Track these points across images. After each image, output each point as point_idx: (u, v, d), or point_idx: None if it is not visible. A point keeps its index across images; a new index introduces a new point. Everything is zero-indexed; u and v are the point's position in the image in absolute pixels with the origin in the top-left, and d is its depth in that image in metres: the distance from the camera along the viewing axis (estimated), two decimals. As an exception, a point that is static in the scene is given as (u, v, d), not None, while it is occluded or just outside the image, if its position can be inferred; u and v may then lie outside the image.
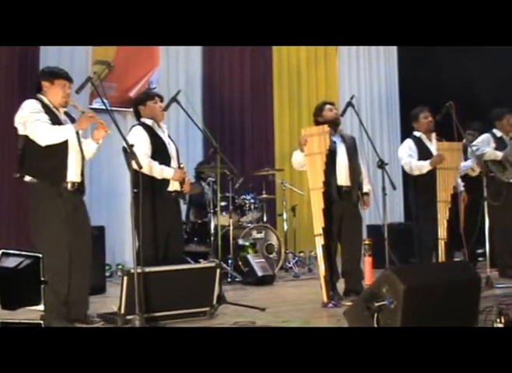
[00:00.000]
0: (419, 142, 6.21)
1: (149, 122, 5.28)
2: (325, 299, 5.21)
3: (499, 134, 6.98)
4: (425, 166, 5.96)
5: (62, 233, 4.35)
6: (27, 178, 4.44)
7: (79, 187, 4.54)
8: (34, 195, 4.43)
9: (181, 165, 5.30)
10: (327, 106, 5.72)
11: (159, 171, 5.11)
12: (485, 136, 6.97)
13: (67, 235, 4.38)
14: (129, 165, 4.36)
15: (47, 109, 4.42)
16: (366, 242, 5.94)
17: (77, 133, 4.47)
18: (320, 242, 5.25)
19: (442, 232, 5.79)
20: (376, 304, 3.60)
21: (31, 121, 4.30)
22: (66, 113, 4.59)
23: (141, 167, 4.36)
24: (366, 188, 5.77)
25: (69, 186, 4.44)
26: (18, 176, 4.48)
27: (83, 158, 4.58)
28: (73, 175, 4.46)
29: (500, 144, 6.91)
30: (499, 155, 6.79)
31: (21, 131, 4.39)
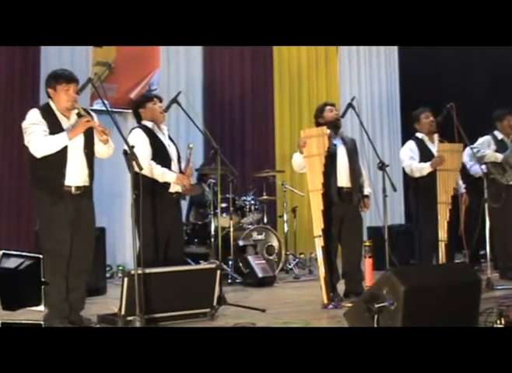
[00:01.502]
0: (420, 144, 6.20)
1: (149, 124, 5.27)
2: (325, 300, 5.21)
3: (500, 136, 6.97)
4: (425, 168, 5.95)
5: (63, 236, 4.36)
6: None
7: (85, 190, 4.53)
8: (38, 200, 4.48)
9: (190, 145, 5.32)
10: (328, 107, 5.72)
11: (160, 174, 5.10)
12: (486, 138, 6.96)
13: (66, 239, 4.38)
14: (130, 167, 4.36)
15: (51, 117, 4.41)
16: (367, 243, 5.93)
17: (88, 134, 4.47)
18: (319, 243, 5.25)
19: (442, 234, 5.78)
20: (377, 305, 3.60)
21: (28, 133, 4.33)
22: (79, 114, 4.51)
23: (141, 169, 4.37)
24: (366, 191, 5.77)
25: (73, 190, 4.43)
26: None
27: (91, 160, 4.56)
28: (76, 179, 4.44)
29: (501, 146, 6.90)
30: (500, 157, 6.78)
31: (24, 141, 4.41)
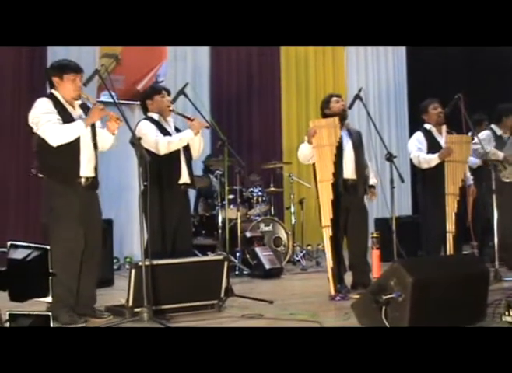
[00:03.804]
0: (428, 135, 6.15)
1: (155, 116, 5.28)
2: (332, 291, 5.21)
3: (498, 131, 6.93)
4: (433, 159, 5.92)
5: (75, 229, 4.35)
6: (41, 175, 4.44)
7: (93, 182, 4.54)
8: (48, 191, 4.42)
9: (171, 108, 5.31)
10: (334, 98, 5.69)
11: (179, 141, 5.14)
12: (486, 133, 6.88)
13: (80, 230, 4.38)
14: (139, 158, 4.37)
15: (59, 106, 4.40)
16: (374, 235, 5.94)
17: (92, 126, 4.49)
18: (328, 233, 5.24)
19: (450, 225, 5.75)
20: (384, 297, 3.60)
21: (42, 123, 4.28)
22: (82, 105, 4.55)
23: (147, 160, 4.36)
24: (371, 181, 5.76)
25: (83, 181, 4.43)
26: (34, 174, 4.50)
27: (97, 151, 4.57)
28: (86, 170, 4.45)
29: (499, 142, 6.85)
30: (501, 155, 6.71)
31: (34, 130, 4.36)
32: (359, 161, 5.63)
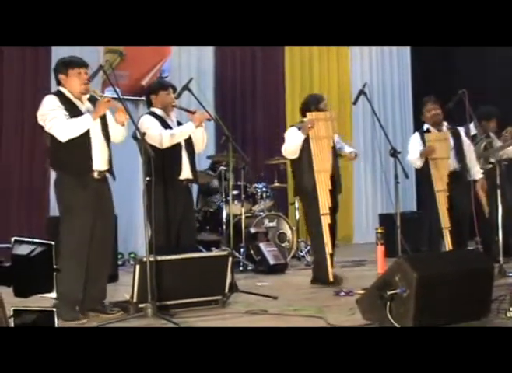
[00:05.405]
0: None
1: (158, 111, 5.29)
2: (331, 278, 5.41)
3: (473, 131, 6.88)
4: (418, 159, 5.96)
5: (84, 223, 4.37)
6: (55, 171, 4.54)
7: (105, 175, 4.57)
8: (59, 186, 4.47)
9: (173, 104, 5.31)
10: (325, 103, 5.86)
11: (179, 133, 5.14)
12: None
13: (90, 224, 4.39)
14: (143, 153, 4.37)
15: (67, 102, 4.41)
16: (379, 230, 5.96)
17: (103, 118, 4.49)
18: (326, 221, 5.43)
19: (444, 221, 5.77)
20: (389, 292, 3.60)
21: (49, 119, 4.31)
22: (90, 98, 4.56)
23: (151, 155, 4.35)
24: (349, 150, 5.99)
25: (96, 174, 4.46)
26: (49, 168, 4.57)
27: (109, 144, 4.58)
28: (99, 163, 4.47)
29: (472, 141, 6.78)
30: None
31: (45, 128, 4.38)
32: (337, 159, 5.85)
